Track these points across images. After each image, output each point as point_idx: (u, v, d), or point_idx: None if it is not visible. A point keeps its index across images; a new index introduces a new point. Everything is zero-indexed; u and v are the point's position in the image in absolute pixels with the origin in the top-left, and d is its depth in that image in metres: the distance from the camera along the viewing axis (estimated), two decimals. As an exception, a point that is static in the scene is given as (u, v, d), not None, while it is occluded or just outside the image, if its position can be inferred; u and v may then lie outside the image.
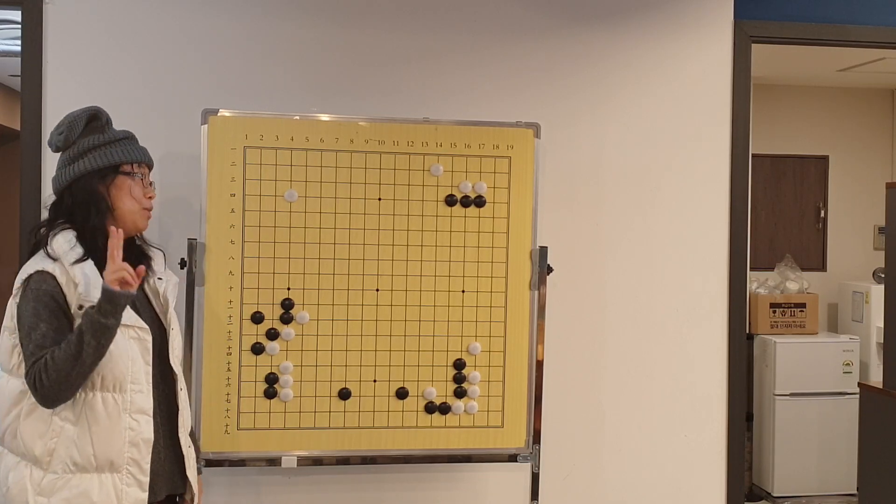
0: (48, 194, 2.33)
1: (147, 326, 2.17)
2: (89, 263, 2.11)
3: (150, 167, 2.34)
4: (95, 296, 2.05)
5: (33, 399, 2.05)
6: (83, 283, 2.08)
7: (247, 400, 2.77)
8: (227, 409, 2.75)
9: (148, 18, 3.07)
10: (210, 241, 2.73)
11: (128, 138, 2.29)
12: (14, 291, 2.13)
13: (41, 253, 2.14)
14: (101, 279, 2.06)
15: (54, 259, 2.11)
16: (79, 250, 2.11)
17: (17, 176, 3.05)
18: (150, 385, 2.16)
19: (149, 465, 2.14)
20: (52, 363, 1.99)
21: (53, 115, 3.01)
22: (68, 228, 2.15)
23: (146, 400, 2.15)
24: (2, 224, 7.12)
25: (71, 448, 2.06)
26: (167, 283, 2.34)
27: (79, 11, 3.04)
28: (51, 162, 3.01)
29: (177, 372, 2.28)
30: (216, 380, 2.74)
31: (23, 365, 2.07)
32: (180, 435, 2.28)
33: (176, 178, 3.04)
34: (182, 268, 2.73)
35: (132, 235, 2.28)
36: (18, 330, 2.08)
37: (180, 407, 2.27)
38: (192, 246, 2.73)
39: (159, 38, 3.07)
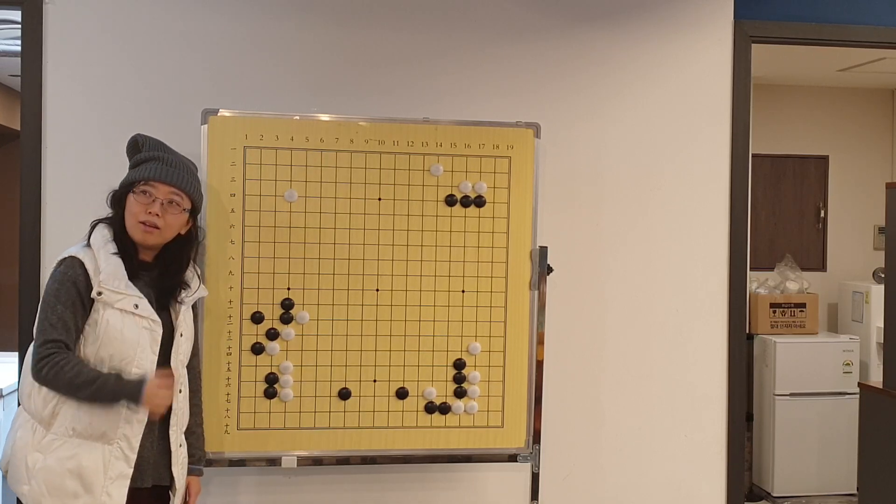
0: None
1: (159, 320, 2.35)
2: (117, 259, 2.32)
3: (168, 184, 2.38)
4: (112, 286, 2.28)
5: None
6: (106, 272, 2.29)
7: (247, 400, 2.77)
8: (227, 409, 2.76)
9: (148, 18, 3.07)
10: (210, 241, 2.73)
11: (152, 160, 2.40)
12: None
13: (82, 241, 2.39)
14: (123, 275, 2.30)
15: (89, 247, 2.34)
16: (113, 247, 2.33)
17: (17, 176, 3.04)
18: (153, 373, 2.32)
19: (138, 444, 2.32)
20: (63, 373, 2.21)
21: (53, 115, 3.01)
22: (108, 225, 2.39)
23: None
24: (2, 224, 7.11)
25: (73, 415, 2.27)
26: (193, 296, 2.51)
27: (79, 11, 3.04)
28: (51, 162, 3.02)
29: (175, 375, 2.39)
30: (216, 380, 2.74)
31: None
32: (170, 432, 2.41)
33: (176, 178, 3.05)
34: (182, 268, 2.74)
35: (162, 244, 2.43)
36: (40, 303, 2.32)
37: (173, 407, 2.39)
38: (192, 246, 2.73)
39: (159, 38, 3.08)
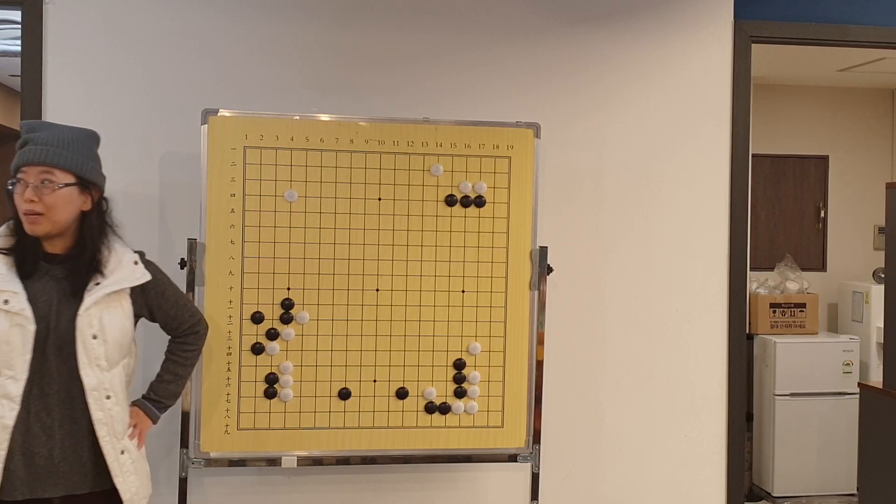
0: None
1: (31, 317, 2.17)
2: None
3: (34, 165, 2.20)
4: None
5: None
6: None
7: (247, 400, 2.77)
8: (227, 409, 2.76)
9: (148, 18, 3.07)
10: (210, 241, 2.73)
11: (22, 146, 2.23)
12: None
13: None
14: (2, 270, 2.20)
15: None
16: None
17: (17, 176, 3.04)
18: (27, 374, 2.17)
19: (5, 453, 2.16)
20: None
21: (53, 115, 3.01)
22: (10, 223, 2.28)
23: (16, 387, 2.17)
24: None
25: None
26: (107, 285, 2.26)
27: (79, 11, 3.04)
28: (51, 162, 3.02)
29: (85, 381, 2.21)
30: (216, 380, 2.74)
31: None
32: (102, 442, 2.24)
33: (176, 178, 3.05)
34: (182, 268, 2.74)
35: (59, 229, 2.25)
36: None
37: (97, 417, 2.22)
38: (192, 246, 2.73)
39: (159, 38, 3.08)
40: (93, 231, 2.27)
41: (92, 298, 2.21)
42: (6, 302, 2.16)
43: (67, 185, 2.21)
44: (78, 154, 2.24)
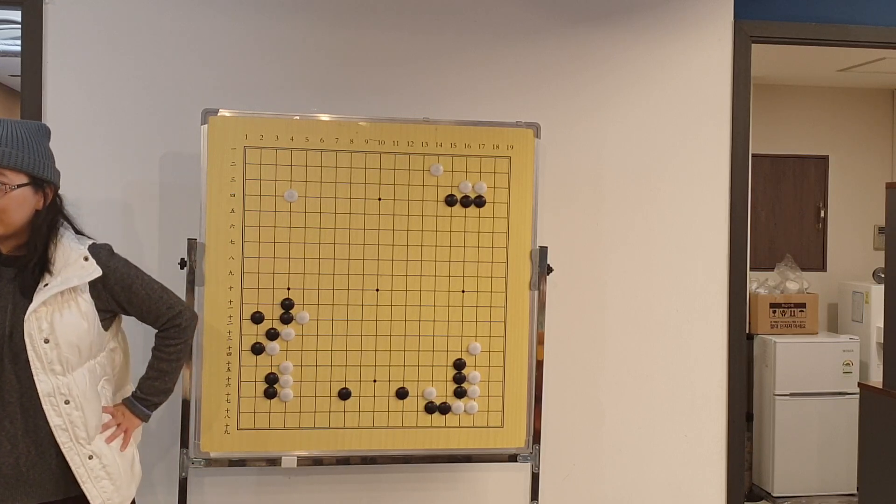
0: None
1: None
2: None
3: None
4: None
5: None
6: None
7: (247, 400, 2.77)
8: (227, 409, 2.76)
9: (148, 18, 3.07)
10: (210, 241, 2.73)
11: None
12: None
13: None
14: None
15: None
16: None
17: (17, 176, 3.04)
18: None
19: None
20: None
21: (53, 115, 3.02)
22: None
23: None
24: None
25: None
26: (57, 284, 2.14)
27: (79, 11, 3.04)
28: (51, 162, 3.02)
29: (39, 387, 2.12)
30: (216, 380, 2.74)
31: None
32: (63, 448, 2.16)
33: (176, 178, 3.05)
34: (182, 268, 2.74)
35: (12, 231, 2.15)
36: None
37: (54, 423, 2.14)
38: (192, 246, 2.73)
39: (159, 39, 3.08)
40: (40, 230, 2.15)
41: (39, 300, 2.10)
42: None
43: (20, 185, 2.10)
44: (30, 152, 2.12)
